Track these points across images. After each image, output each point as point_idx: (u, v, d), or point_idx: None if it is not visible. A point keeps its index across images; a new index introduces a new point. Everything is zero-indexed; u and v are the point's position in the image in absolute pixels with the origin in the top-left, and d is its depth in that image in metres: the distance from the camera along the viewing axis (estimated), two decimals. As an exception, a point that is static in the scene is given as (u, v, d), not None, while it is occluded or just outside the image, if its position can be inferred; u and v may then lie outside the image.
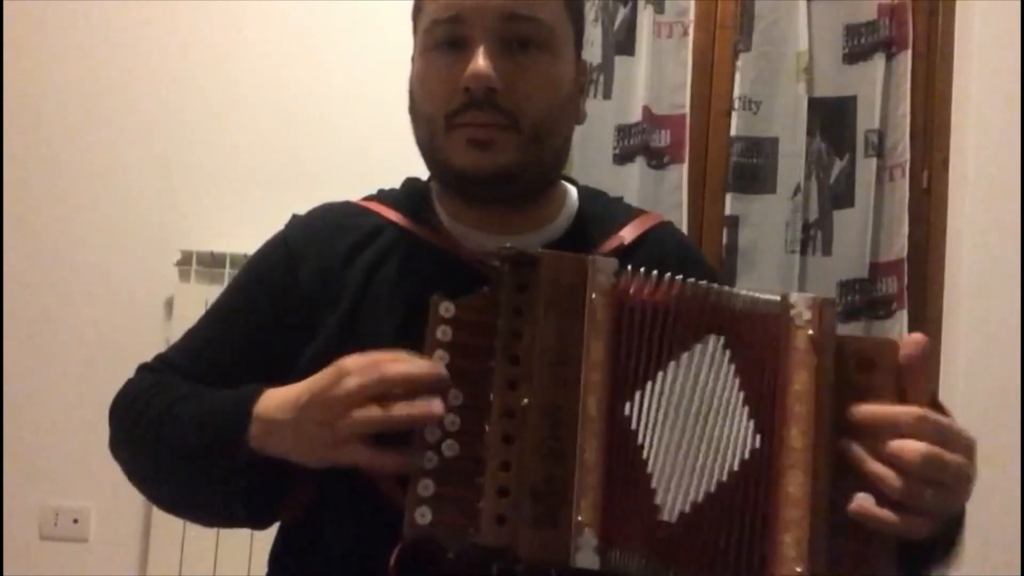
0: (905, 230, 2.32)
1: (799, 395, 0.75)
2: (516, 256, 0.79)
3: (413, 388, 0.76)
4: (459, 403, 0.77)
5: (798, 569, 0.72)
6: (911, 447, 0.71)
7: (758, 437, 0.76)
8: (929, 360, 0.76)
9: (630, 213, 1.05)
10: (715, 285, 0.81)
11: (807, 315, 0.76)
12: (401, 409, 0.75)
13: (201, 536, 2.13)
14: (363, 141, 2.28)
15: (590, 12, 2.35)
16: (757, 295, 0.79)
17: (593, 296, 0.78)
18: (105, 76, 2.34)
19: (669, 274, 0.81)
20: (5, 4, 2.32)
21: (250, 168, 2.34)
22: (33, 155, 2.32)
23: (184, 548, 2.15)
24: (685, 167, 2.33)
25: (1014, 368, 2.17)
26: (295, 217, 1.04)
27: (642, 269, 0.80)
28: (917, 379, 0.75)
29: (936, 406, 0.76)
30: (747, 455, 0.76)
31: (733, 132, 2.36)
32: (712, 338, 0.78)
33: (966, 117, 2.33)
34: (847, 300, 2.32)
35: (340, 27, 2.38)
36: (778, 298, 0.79)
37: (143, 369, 1.01)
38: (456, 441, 0.76)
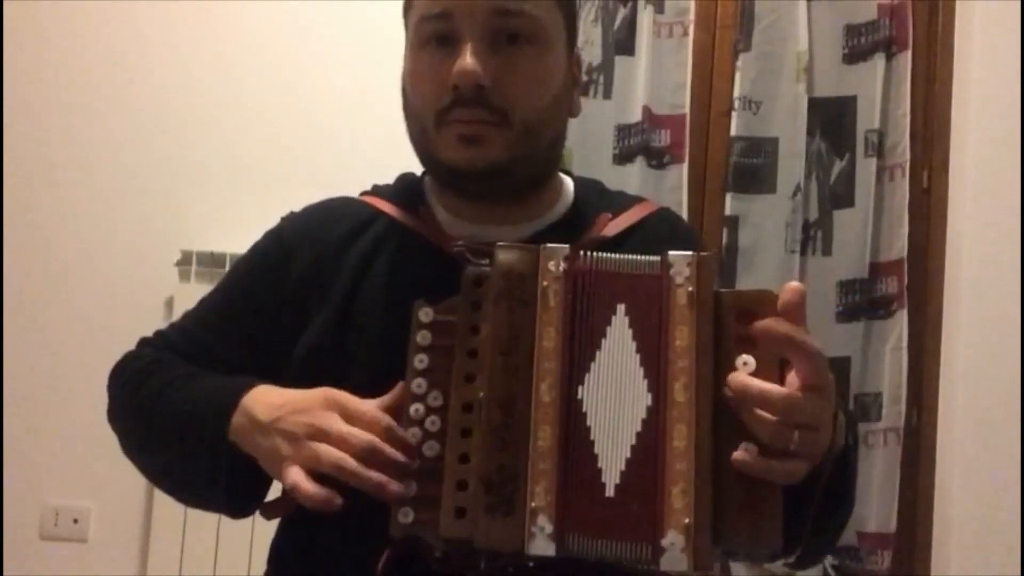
0: (905, 230, 2.31)
1: (681, 351, 0.77)
2: (470, 250, 0.81)
3: (384, 464, 0.77)
4: (439, 404, 0.79)
5: (686, 520, 0.73)
6: (773, 391, 0.73)
7: (650, 396, 0.77)
8: (805, 306, 0.78)
9: (626, 202, 1.05)
10: (613, 255, 0.81)
11: (686, 272, 0.78)
12: (365, 474, 0.77)
13: (201, 536, 2.13)
14: (362, 141, 2.28)
15: (590, 12, 2.35)
16: (639, 258, 0.81)
17: (545, 284, 0.79)
18: (105, 76, 2.34)
19: (590, 252, 0.81)
20: (5, 4, 2.32)
21: (250, 168, 2.34)
22: (33, 155, 2.32)
23: (184, 548, 2.15)
24: (685, 167, 2.33)
25: (1014, 368, 2.17)
26: (291, 213, 1.06)
27: (601, 254, 0.81)
28: (796, 325, 0.76)
29: None
30: (644, 414, 0.77)
31: (733, 132, 2.36)
32: (621, 307, 0.80)
33: (966, 117, 2.33)
34: (847, 300, 2.32)
35: (340, 27, 2.38)
36: (658, 259, 0.80)
37: (144, 343, 1.03)
38: (437, 442, 0.78)
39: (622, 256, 0.81)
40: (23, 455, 2.23)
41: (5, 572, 2.18)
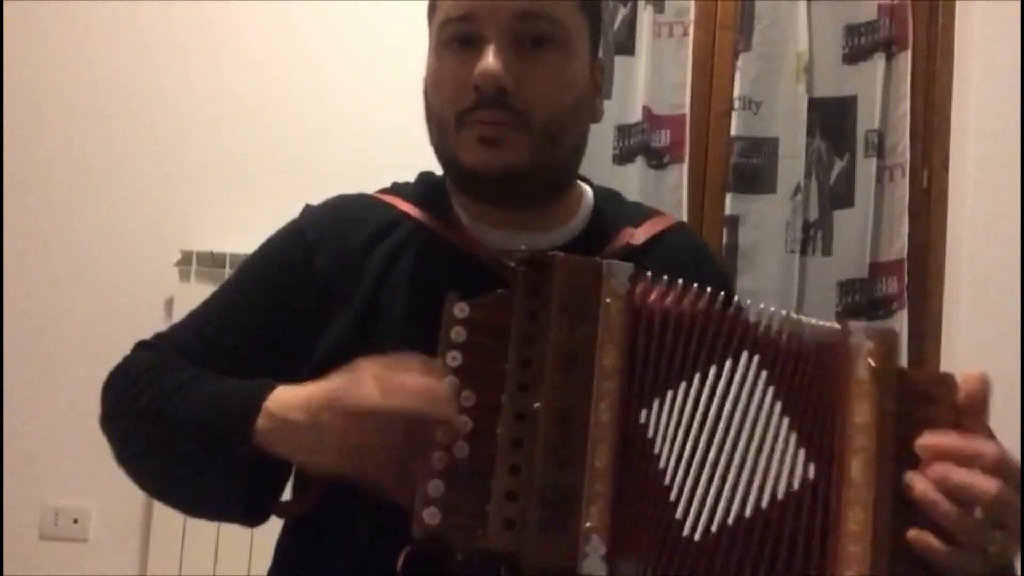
0: (905, 230, 2.32)
1: (861, 427, 0.73)
2: (530, 259, 0.78)
3: (432, 412, 0.75)
4: (471, 404, 0.77)
5: None
6: (987, 483, 0.69)
7: (811, 467, 0.74)
8: (989, 397, 0.74)
9: (645, 214, 1.04)
10: (749, 302, 0.79)
11: (868, 344, 0.75)
12: (418, 435, 0.75)
13: (201, 536, 2.13)
14: (363, 141, 2.28)
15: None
16: (814, 322, 0.78)
17: (607, 300, 0.77)
18: (105, 76, 2.34)
19: (696, 285, 0.79)
20: (5, 4, 2.32)
21: (250, 168, 2.33)
22: (33, 155, 2.32)
23: (184, 548, 2.15)
24: (685, 167, 2.33)
25: (1014, 368, 2.17)
26: (309, 207, 1.03)
27: (663, 276, 0.79)
28: (976, 417, 0.73)
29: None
30: (796, 485, 0.74)
31: (733, 132, 2.36)
32: (744, 355, 0.77)
33: (966, 117, 2.33)
34: (847, 300, 2.32)
35: (340, 27, 2.38)
36: (837, 326, 0.77)
37: (140, 347, 0.98)
38: (467, 443, 0.76)
39: (773, 311, 0.77)
40: (23, 455, 2.22)
41: (5, 572, 2.17)
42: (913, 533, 0.70)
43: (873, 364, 0.74)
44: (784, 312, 0.78)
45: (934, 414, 0.74)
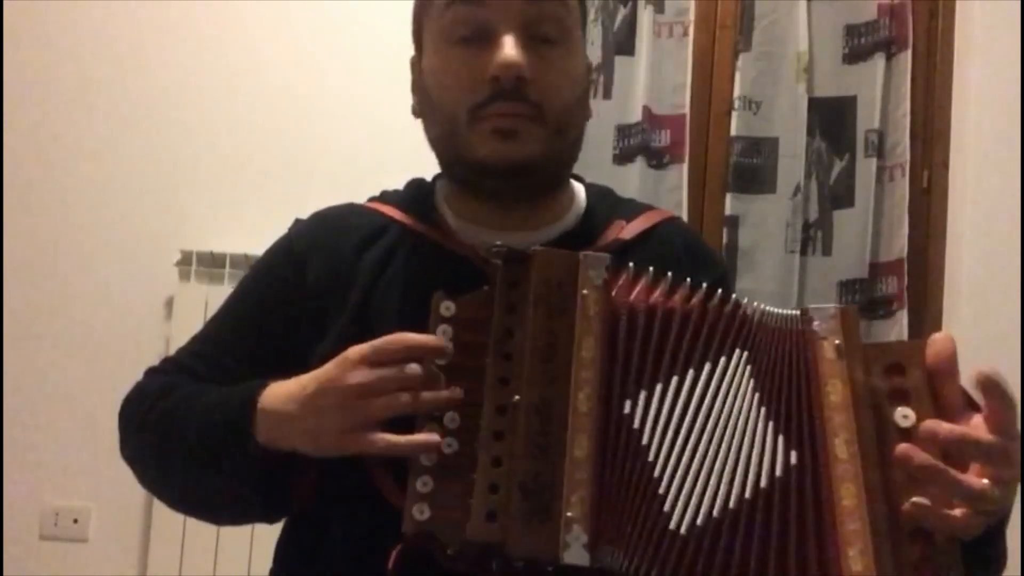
0: (905, 230, 2.31)
1: (836, 405, 0.74)
2: (507, 253, 0.79)
3: (426, 375, 0.77)
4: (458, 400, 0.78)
5: None
6: (981, 434, 0.70)
7: (793, 453, 0.74)
8: (956, 357, 0.75)
9: (637, 209, 1.04)
10: (735, 296, 0.80)
11: (830, 324, 0.76)
12: (420, 396, 0.76)
13: (201, 536, 2.13)
14: (362, 142, 2.28)
15: (590, 12, 2.35)
16: (775, 310, 0.79)
17: (584, 292, 0.78)
18: (105, 76, 2.34)
19: (688, 280, 0.80)
20: (5, 4, 2.32)
21: (250, 168, 2.34)
22: (33, 155, 2.32)
23: (184, 548, 2.15)
24: (685, 167, 2.34)
25: (1014, 368, 2.16)
26: (298, 220, 1.04)
27: (648, 268, 0.80)
28: (949, 378, 0.74)
29: (971, 404, 0.75)
30: (779, 471, 0.74)
31: (733, 132, 2.36)
32: (737, 352, 0.78)
33: (966, 117, 2.33)
34: (847, 300, 2.32)
35: (340, 28, 2.38)
36: (797, 312, 0.78)
37: (150, 372, 1.00)
38: (455, 438, 0.76)
39: (745, 301, 0.78)
40: (23, 455, 2.22)
41: (5, 572, 2.17)
42: (909, 505, 0.70)
43: (839, 343, 0.75)
44: (762, 305, 0.79)
45: (907, 382, 0.75)
